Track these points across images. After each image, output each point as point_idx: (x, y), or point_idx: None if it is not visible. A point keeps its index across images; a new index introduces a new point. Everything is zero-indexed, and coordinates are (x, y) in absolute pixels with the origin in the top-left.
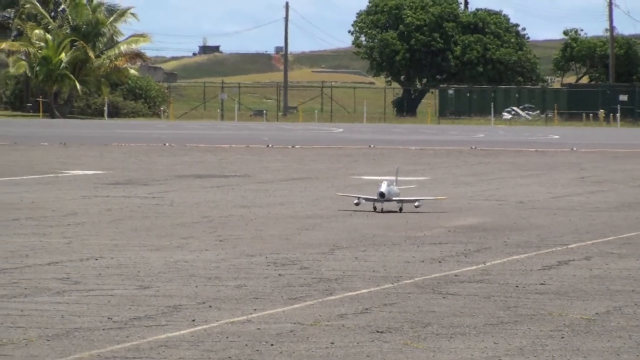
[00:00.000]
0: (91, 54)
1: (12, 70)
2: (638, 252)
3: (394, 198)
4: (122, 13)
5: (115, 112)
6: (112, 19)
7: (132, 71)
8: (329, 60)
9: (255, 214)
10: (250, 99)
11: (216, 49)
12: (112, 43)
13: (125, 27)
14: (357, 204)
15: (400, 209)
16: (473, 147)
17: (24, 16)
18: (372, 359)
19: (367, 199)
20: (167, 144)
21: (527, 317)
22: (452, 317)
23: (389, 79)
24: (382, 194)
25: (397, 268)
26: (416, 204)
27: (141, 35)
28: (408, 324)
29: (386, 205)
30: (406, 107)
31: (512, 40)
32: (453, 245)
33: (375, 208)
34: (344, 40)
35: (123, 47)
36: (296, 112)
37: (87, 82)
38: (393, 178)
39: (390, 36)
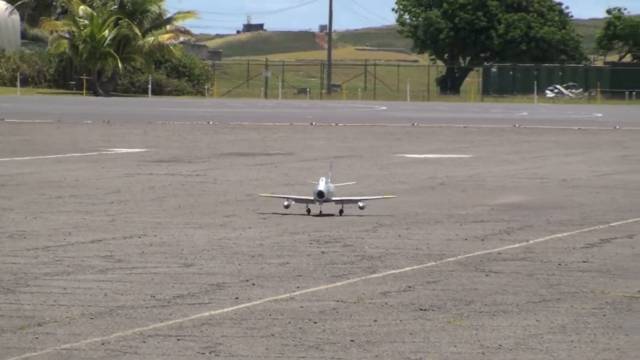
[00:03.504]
0: (137, 31)
1: (52, 49)
2: None
3: (332, 198)
4: None
5: (158, 90)
6: None
7: (175, 51)
8: (373, 39)
9: (298, 191)
10: (294, 77)
11: (260, 27)
12: (158, 21)
13: (169, 6)
14: (287, 207)
15: (341, 212)
16: (516, 125)
17: None
18: (415, 337)
19: (297, 200)
20: (210, 122)
21: (569, 294)
22: (494, 295)
23: (433, 57)
24: (320, 193)
25: (440, 246)
26: (360, 204)
27: (187, 12)
28: (451, 301)
29: (324, 207)
30: (450, 85)
31: (556, 18)
32: (496, 223)
33: (309, 211)
34: (388, 19)
35: (168, 25)
36: (340, 90)
37: (131, 60)
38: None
39: (434, 14)
